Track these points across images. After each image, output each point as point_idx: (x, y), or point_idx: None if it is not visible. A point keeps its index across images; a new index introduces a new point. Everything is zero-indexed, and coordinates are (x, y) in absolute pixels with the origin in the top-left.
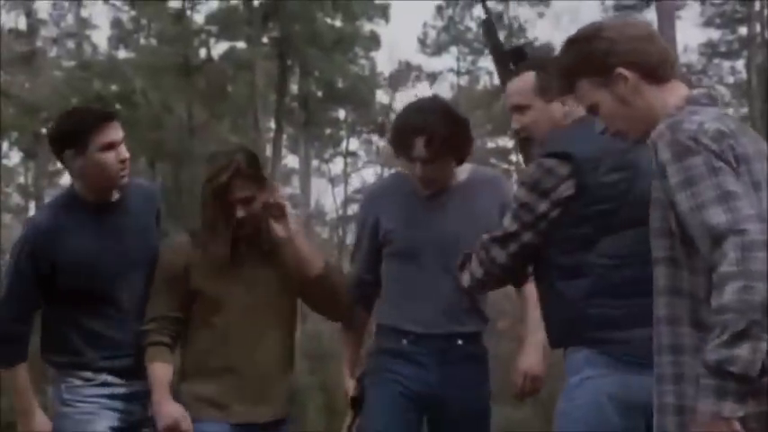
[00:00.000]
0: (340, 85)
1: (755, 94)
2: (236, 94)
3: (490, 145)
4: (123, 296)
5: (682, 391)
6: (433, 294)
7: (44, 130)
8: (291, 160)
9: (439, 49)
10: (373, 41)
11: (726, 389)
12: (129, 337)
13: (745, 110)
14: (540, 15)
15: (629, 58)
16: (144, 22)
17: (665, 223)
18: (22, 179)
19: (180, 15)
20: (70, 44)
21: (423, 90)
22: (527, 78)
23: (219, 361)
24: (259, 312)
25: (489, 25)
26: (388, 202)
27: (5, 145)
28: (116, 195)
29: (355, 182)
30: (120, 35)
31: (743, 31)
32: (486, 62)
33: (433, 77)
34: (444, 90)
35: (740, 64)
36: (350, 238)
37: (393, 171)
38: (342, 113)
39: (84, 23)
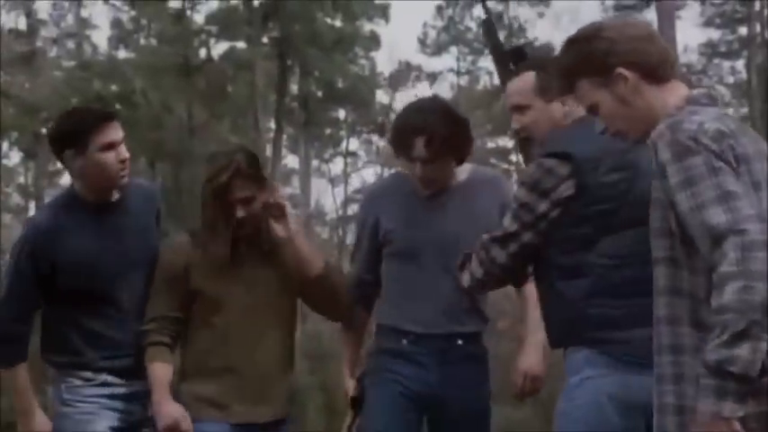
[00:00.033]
0: (340, 85)
1: (755, 95)
2: (236, 94)
3: (490, 145)
4: (123, 296)
5: (682, 391)
6: (433, 294)
7: (44, 131)
8: (291, 160)
9: (439, 49)
10: (373, 41)
11: (726, 389)
12: (128, 337)
13: (745, 110)
14: (540, 15)
15: (629, 59)
16: (144, 22)
17: (665, 223)
18: (22, 179)
19: (180, 15)
20: (70, 44)
21: (423, 90)
22: (527, 78)
23: (219, 361)
24: (259, 312)
25: (489, 25)
26: (388, 202)
27: (5, 145)
28: (116, 195)
29: (355, 182)
30: (120, 35)
31: (743, 31)
32: (486, 62)
33: (433, 77)
34: (444, 90)
35: (740, 64)
36: (350, 239)
37: (393, 171)
38: (342, 113)
39: (84, 23)
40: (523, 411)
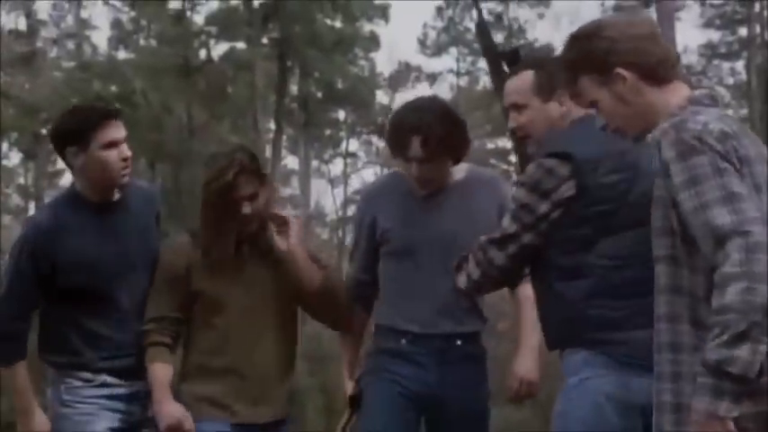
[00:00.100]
0: (340, 85)
1: (755, 96)
2: (235, 94)
3: (489, 146)
4: (123, 296)
5: (679, 388)
6: (431, 294)
7: (44, 131)
8: (291, 161)
9: (439, 50)
10: (373, 42)
11: (723, 389)
12: (128, 337)
13: (744, 111)
14: (540, 16)
15: (629, 59)
16: (144, 22)
17: (667, 222)
18: (21, 180)
19: (180, 16)
20: (70, 45)
21: (422, 91)
22: (525, 77)
23: (220, 362)
24: (258, 314)
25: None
26: (385, 202)
27: (5, 145)
28: (117, 195)
29: (355, 183)
30: (120, 36)
31: (743, 32)
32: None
33: (432, 78)
34: (444, 91)
35: (740, 65)
36: (349, 239)
37: (390, 170)
38: (342, 114)
39: (83, 24)
40: (522, 412)
